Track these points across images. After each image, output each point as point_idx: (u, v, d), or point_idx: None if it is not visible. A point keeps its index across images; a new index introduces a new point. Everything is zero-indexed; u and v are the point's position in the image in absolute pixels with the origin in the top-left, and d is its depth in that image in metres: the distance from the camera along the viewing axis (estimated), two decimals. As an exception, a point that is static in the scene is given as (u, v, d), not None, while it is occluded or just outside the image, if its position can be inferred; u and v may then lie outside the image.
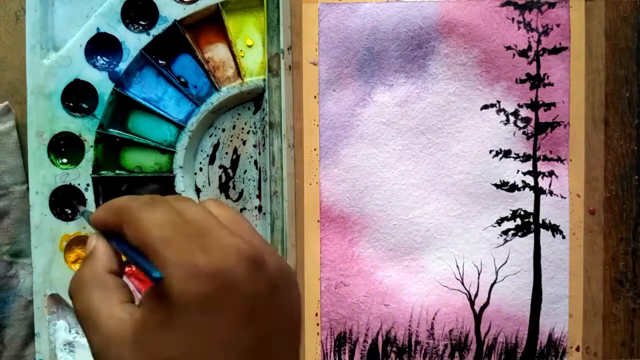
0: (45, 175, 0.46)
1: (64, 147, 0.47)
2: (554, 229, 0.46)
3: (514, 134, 0.46)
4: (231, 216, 0.27)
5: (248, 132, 0.47)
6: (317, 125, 0.47)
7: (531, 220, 0.46)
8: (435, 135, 0.47)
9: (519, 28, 0.46)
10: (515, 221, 0.46)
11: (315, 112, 0.47)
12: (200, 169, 0.48)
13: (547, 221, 0.46)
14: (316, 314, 0.47)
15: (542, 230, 0.46)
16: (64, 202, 0.46)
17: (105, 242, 0.29)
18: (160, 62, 0.46)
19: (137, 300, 0.47)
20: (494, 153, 0.46)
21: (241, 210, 0.47)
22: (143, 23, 0.46)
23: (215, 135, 0.47)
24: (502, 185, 0.46)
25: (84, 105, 0.46)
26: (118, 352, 0.25)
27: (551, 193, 0.46)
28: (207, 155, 0.47)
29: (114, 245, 0.28)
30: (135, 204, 0.26)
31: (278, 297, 0.25)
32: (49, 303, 0.46)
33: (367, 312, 0.47)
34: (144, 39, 0.45)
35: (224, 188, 0.48)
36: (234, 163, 0.47)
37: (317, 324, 0.47)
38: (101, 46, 0.46)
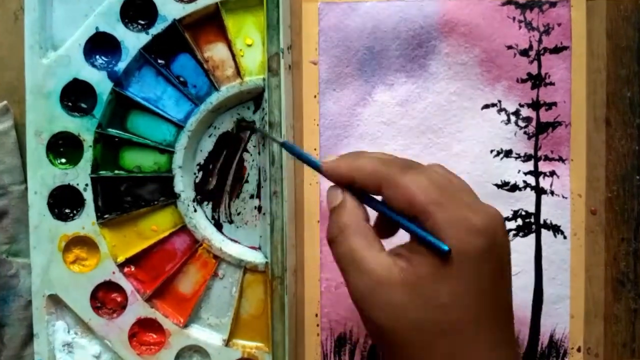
0: (43, 175, 0.46)
1: (63, 146, 0.46)
2: (555, 229, 0.46)
3: (515, 134, 0.46)
4: (459, 183, 0.31)
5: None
6: (317, 125, 0.47)
7: (532, 220, 0.46)
8: (436, 135, 0.46)
9: (520, 27, 0.46)
10: (516, 221, 0.46)
11: (315, 111, 0.47)
12: (199, 169, 0.47)
13: (548, 221, 0.46)
14: (316, 315, 0.47)
15: (543, 231, 0.46)
16: (63, 202, 0.46)
17: (352, 195, 0.32)
18: (160, 61, 0.46)
19: (139, 301, 0.47)
20: (495, 153, 0.46)
21: (241, 211, 0.47)
22: (142, 22, 0.46)
23: (215, 135, 0.47)
24: (503, 185, 0.46)
25: (83, 105, 0.46)
26: (389, 293, 0.28)
27: (552, 193, 0.46)
28: (207, 156, 0.47)
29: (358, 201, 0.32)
30: (394, 170, 0.30)
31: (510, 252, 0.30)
32: (48, 304, 0.46)
33: (367, 312, 0.47)
34: (143, 38, 0.45)
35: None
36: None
37: (317, 325, 0.47)
38: (100, 45, 0.46)
